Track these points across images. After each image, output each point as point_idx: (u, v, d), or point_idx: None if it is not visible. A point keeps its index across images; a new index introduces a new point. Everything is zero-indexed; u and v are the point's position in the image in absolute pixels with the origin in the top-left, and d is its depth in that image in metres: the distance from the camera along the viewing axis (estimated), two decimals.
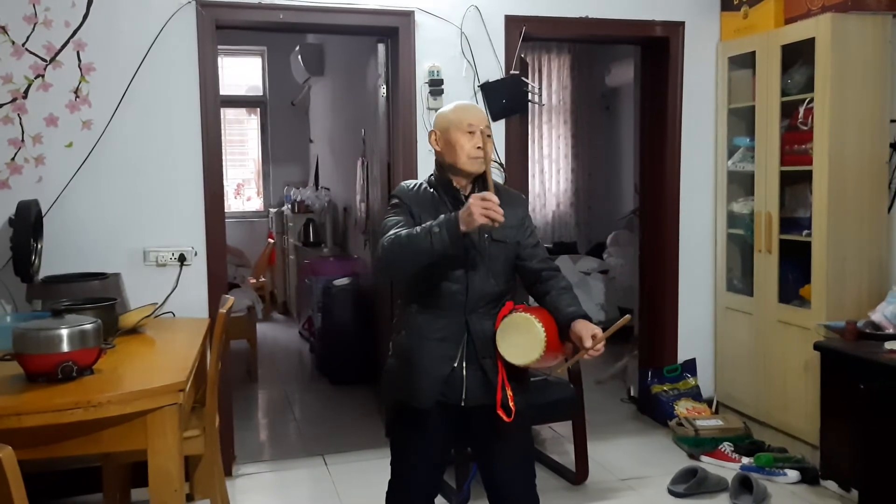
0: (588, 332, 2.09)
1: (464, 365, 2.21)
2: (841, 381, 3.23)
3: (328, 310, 5.31)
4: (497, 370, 2.20)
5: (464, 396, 2.22)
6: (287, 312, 7.75)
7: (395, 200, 2.28)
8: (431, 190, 2.27)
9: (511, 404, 2.17)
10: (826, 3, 3.55)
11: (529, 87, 3.97)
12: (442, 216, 2.07)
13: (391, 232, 2.12)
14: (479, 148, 2.20)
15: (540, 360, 2.12)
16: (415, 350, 2.22)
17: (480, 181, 2.25)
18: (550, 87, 7.68)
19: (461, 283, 2.20)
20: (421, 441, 2.29)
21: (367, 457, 3.83)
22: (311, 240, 7.17)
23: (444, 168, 2.27)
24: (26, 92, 3.32)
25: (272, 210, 8.41)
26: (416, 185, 2.30)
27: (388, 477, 2.40)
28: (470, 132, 2.20)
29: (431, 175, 2.33)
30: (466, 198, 2.15)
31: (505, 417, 2.17)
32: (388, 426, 2.51)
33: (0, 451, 1.41)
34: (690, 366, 4.30)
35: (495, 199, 2.01)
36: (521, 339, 2.13)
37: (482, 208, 1.98)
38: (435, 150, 2.29)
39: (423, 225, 2.08)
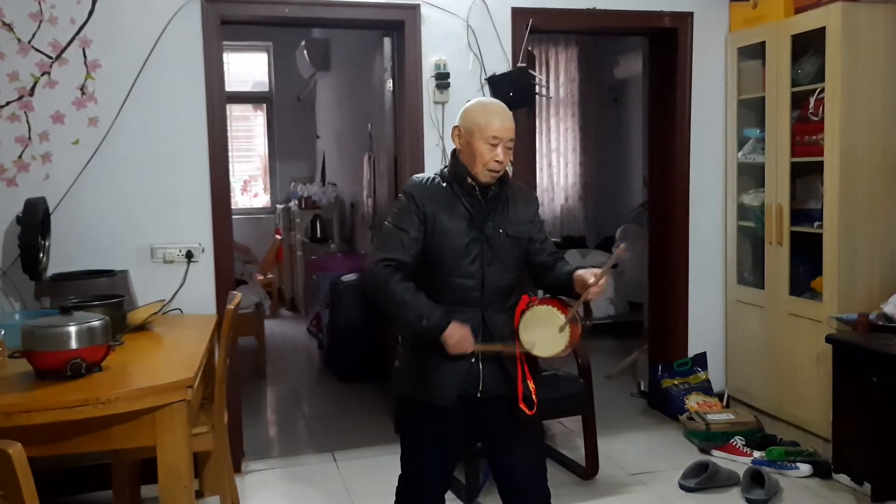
0: (588, 273, 2.15)
1: (480, 358, 2.21)
2: (853, 374, 3.21)
3: (336, 306, 5.31)
4: (516, 363, 2.21)
5: (481, 388, 2.22)
6: (295, 309, 7.75)
7: (405, 200, 2.23)
8: (445, 184, 2.24)
9: (534, 397, 2.19)
10: None
11: (536, 79, 3.94)
12: (437, 314, 2.12)
13: (388, 263, 2.17)
14: (497, 161, 2.18)
15: (563, 351, 2.17)
16: (433, 347, 2.18)
17: (497, 182, 2.24)
18: (558, 79, 7.64)
19: (477, 279, 2.20)
20: (435, 436, 2.28)
21: (376, 453, 3.83)
22: (319, 236, 7.16)
23: (460, 164, 2.24)
24: (32, 89, 3.31)
25: (279, 206, 8.41)
26: (428, 179, 2.27)
27: (398, 472, 2.38)
28: (493, 144, 2.18)
29: (444, 167, 2.31)
30: (481, 194, 2.21)
31: (527, 411, 2.19)
32: (399, 422, 2.49)
33: (10, 448, 1.41)
34: (701, 360, 4.28)
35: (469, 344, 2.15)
36: (545, 331, 2.16)
37: (458, 349, 2.13)
38: (455, 145, 2.28)
39: (419, 302, 2.14)
